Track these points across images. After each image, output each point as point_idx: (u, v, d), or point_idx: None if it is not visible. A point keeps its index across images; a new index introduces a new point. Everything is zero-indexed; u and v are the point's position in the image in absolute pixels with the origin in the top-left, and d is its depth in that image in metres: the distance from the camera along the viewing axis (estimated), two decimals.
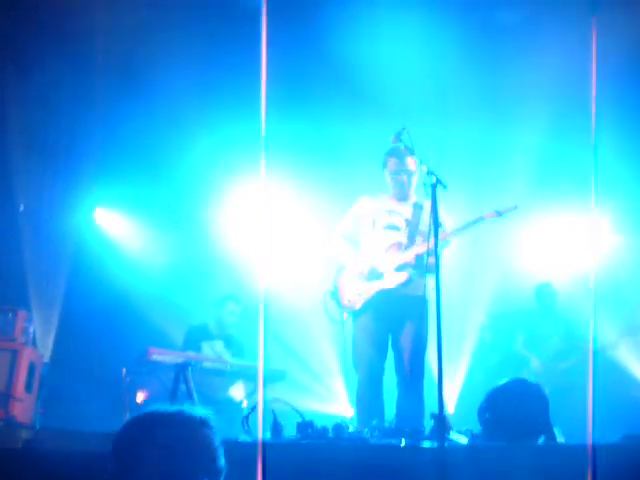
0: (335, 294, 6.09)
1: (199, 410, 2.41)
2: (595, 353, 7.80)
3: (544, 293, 8.44)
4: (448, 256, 6.00)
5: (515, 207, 5.94)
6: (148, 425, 2.33)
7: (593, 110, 5.57)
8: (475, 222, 5.90)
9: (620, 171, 8.17)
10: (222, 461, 2.43)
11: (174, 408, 2.38)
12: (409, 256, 5.92)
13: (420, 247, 5.84)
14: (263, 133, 5.94)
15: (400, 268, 5.94)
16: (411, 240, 5.98)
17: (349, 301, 6.00)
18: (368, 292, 5.96)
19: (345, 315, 6.03)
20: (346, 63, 7.91)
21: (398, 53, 7.84)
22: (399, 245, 5.99)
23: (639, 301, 8.54)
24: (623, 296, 8.43)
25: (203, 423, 2.37)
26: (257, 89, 5.97)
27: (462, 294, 7.76)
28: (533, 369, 8.05)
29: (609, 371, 7.68)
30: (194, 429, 2.33)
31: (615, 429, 4.71)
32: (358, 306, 5.97)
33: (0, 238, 7.88)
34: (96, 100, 8.23)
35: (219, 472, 2.39)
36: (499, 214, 5.90)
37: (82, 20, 7.61)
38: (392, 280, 5.93)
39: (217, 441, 2.37)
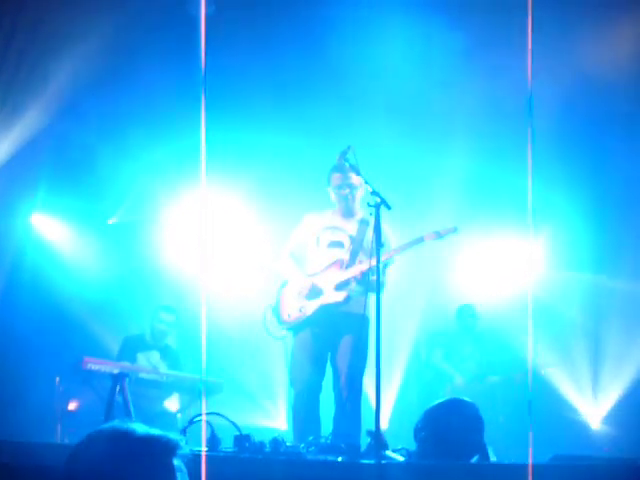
0: (276, 309, 6.10)
1: (174, 435, 2.28)
2: (530, 374, 7.98)
3: (465, 314, 8.59)
4: (392, 274, 6.06)
5: (455, 229, 6.06)
6: (118, 443, 2.17)
7: (529, 135, 5.72)
8: (415, 242, 5.98)
9: (555, 196, 8.36)
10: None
11: (150, 430, 2.24)
12: (349, 274, 5.95)
13: (362, 265, 5.89)
14: (203, 142, 5.96)
15: (340, 286, 5.97)
16: (353, 257, 6.02)
17: (289, 316, 6.03)
18: (309, 308, 5.99)
19: (284, 331, 6.05)
20: (297, 72, 7.93)
21: (348, 65, 7.88)
22: (340, 262, 6.02)
23: (568, 327, 8.74)
24: (554, 321, 8.62)
25: (176, 453, 2.25)
26: (198, 98, 6.00)
27: (399, 312, 7.83)
28: (456, 386, 8.15)
29: (541, 392, 7.84)
30: (168, 458, 2.21)
31: (546, 449, 4.79)
32: (298, 322, 5.99)
33: None
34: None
35: None
36: (439, 235, 6.01)
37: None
38: (331, 297, 5.96)
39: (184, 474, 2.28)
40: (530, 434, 4.20)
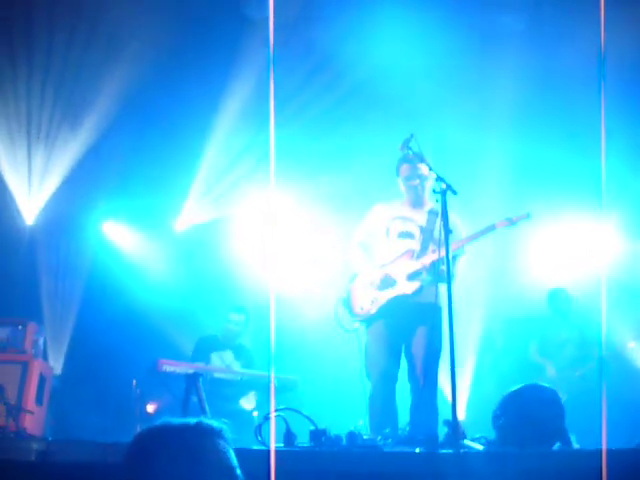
0: (347, 302, 6.05)
1: (214, 421, 2.39)
2: (606, 358, 7.78)
3: (558, 298, 8.32)
4: (464, 264, 5.98)
5: (527, 215, 5.94)
6: (162, 435, 2.30)
7: (603, 116, 5.57)
8: (487, 230, 5.90)
9: (627, 176, 8.16)
10: (237, 472, 2.41)
11: (187, 419, 2.35)
12: (420, 264, 5.88)
13: (432, 255, 5.82)
14: (272, 143, 5.95)
15: (412, 276, 5.91)
16: (424, 248, 5.95)
17: (361, 309, 5.97)
18: (381, 300, 5.93)
19: (357, 324, 6.00)
20: (350, 70, 7.91)
21: (402, 59, 7.83)
22: (412, 252, 5.96)
23: None
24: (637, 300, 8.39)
25: (218, 434, 2.34)
26: (263, 98, 5.99)
27: (474, 300, 7.73)
28: (549, 377, 7.95)
29: (626, 376, 7.64)
30: (209, 440, 2.30)
31: (633, 435, 4.67)
32: (371, 313, 5.93)
33: (12, 252, 7.90)
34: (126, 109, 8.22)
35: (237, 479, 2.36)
36: (511, 222, 5.91)
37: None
38: (405, 288, 5.90)
39: (231, 452, 2.35)
40: (604, 418, 4.07)
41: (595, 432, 5.27)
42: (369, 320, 5.96)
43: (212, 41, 8.02)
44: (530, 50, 7.74)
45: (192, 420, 2.35)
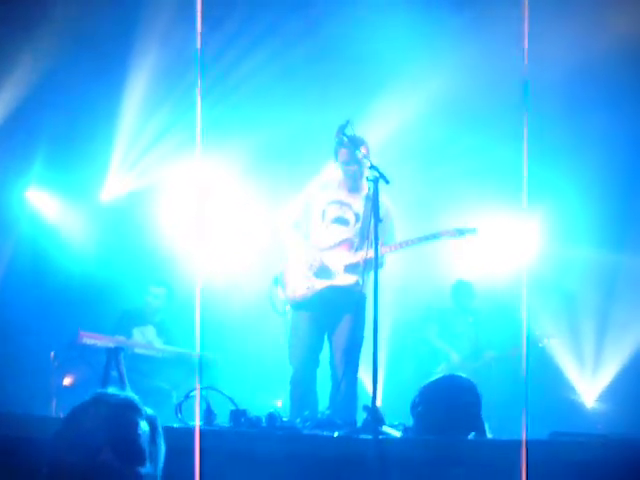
0: (281, 283, 6.02)
1: (124, 393, 2.41)
2: (527, 348, 7.97)
3: (461, 291, 8.50)
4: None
5: (474, 230, 5.98)
6: (97, 407, 2.32)
7: (525, 112, 5.68)
8: (431, 238, 5.93)
9: (550, 173, 8.33)
10: (159, 447, 2.42)
11: (121, 394, 2.37)
12: (359, 258, 5.84)
13: (370, 250, 5.81)
14: (198, 114, 5.92)
15: (350, 267, 5.91)
16: (362, 238, 5.92)
17: (293, 292, 5.96)
18: (316, 287, 5.92)
19: (287, 307, 6.00)
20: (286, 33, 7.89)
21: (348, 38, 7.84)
22: (350, 243, 5.96)
23: (569, 301, 8.72)
24: (550, 297, 8.60)
25: (127, 405, 2.36)
26: (193, 71, 5.95)
27: (396, 289, 7.80)
28: (453, 363, 8.12)
29: (539, 370, 7.82)
30: (139, 418, 2.32)
31: (543, 426, 4.79)
32: (301, 299, 5.94)
33: None
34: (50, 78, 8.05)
35: (153, 456, 2.37)
36: (457, 234, 5.94)
37: None
38: (342, 280, 5.90)
39: (143, 424, 2.36)
40: (524, 410, 4.19)
41: (492, 422, 5.43)
42: (297, 305, 5.97)
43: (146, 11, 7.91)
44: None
45: (125, 395, 2.36)
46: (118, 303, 8.00)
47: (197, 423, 3.81)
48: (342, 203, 6.02)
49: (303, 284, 5.93)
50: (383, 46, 7.84)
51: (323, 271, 5.93)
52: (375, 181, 4.88)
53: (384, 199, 5.05)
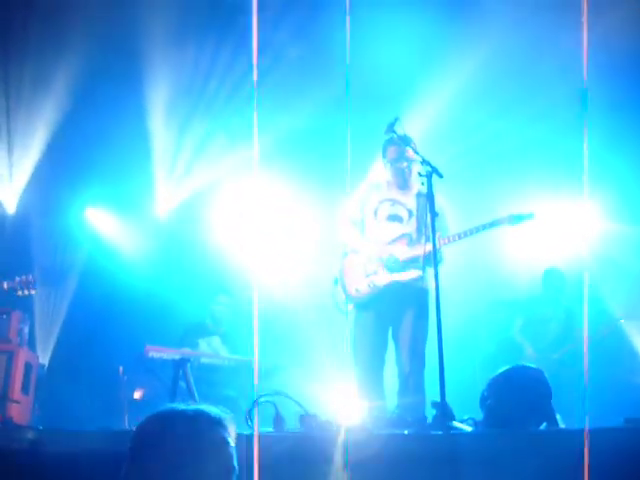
0: (341, 281, 6.00)
1: (216, 410, 2.39)
2: (602, 333, 7.82)
3: (552, 277, 8.30)
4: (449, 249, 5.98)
5: (531, 215, 5.90)
6: (169, 420, 2.30)
7: (585, 93, 5.59)
8: (490, 226, 5.85)
9: (610, 159, 8.20)
10: (234, 463, 2.42)
11: (192, 406, 2.35)
12: (418, 252, 5.80)
13: (428, 244, 5.78)
14: (255, 129, 5.95)
15: (410, 262, 5.88)
16: (419, 233, 5.91)
17: (357, 291, 5.94)
18: (378, 284, 5.89)
19: (351, 306, 5.97)
20: (332, 51, 7.88)
21: (390, 43, 7.82)
22: (408, 238, 5.94)
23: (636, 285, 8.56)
24: (622, 281, 8.44)
25: (220, 423, 2.34)
26: (247, 83, 5.97)
27: (460, 283, 7.74)
28: (527, 357, 7.99)
29: (610, 357, 7.68)
30: (214, 429, 2.31)
31: (616, 414, 4.71)
32: (365, 297, 5.92)
33: None
34: (86, 97, 8.17)
35: (233, 471, 2.37)
36: (515, 221, 5.86)
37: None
38: (404, 275, 5.88)
39: (232, 441, 2.35)
40: (586, 399, 4.12)
41: (573, 413, 5.34)
42: (361, 303, 5.96)
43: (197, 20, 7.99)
44: (512, 29, 7.72)
45: (197, 407, 2.35)
46: (182, 316, 8.08)
47: (256, 429, 3.82)
48: (394, 201, 6.01)
49: (365, 281, 5.92)
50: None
51: (386, 267, 5.89)
52: (429, 176, 4.86)
53: (437, 194, 5.01)
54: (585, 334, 7.31)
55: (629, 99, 8.15)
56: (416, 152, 5.22)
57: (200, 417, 2.29)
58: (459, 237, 5.83)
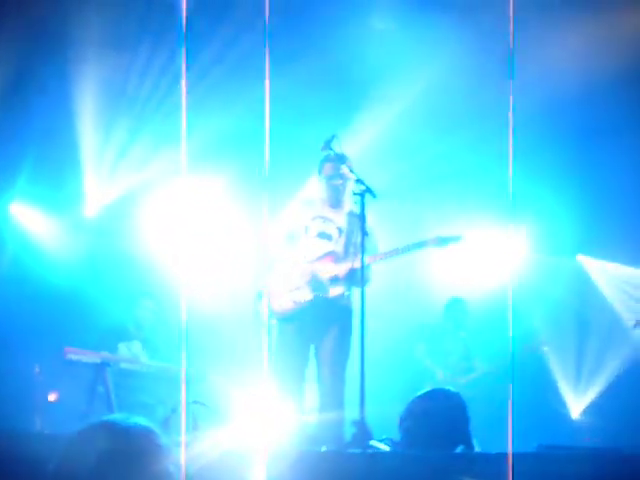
0: (265, 296, 6.00)
1: (140, 421, 2.34)
2: (526, 351, 7.97)
3: (454, 308, 8.47)
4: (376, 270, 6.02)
5: (459, 238, 5.96)
6: (110, 434, 2.24)
7: (510, 124, 5.71)
8: (417, 246, 5.88)
9: (535, 188, 8.37)
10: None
11: (129, 419, 2.30)
12: (344, 269, 5.84)
13: (356, 261, 5.81)
14: (183, 128, 5.92)
15: (335, 279, 5.89)
16: (345, 251, 5.93)
17: (280, 306, 5.93)
18: (302, 300, 5.89)
19: (274, 321, 5.95)
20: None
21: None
22: (335, 256, 5.94)
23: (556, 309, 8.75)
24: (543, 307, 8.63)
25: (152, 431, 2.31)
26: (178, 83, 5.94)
27: (384, 306, 7.80)
28: (438, 380, 8.12)
29: (528, 381, 7.83)
30: (153, 443, 2.27)
31: (530, 439, 4.80)
32: (288, 312, 5.91)
33: None
34: (16, 92, 8.03)
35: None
36: (442, 242, 5.90)
37: None
38: (329, 291, 5.88)
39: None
40: (509, 422, 4.19)
41: (482, 436, 5.42)
42: (285, 318, 5.95)
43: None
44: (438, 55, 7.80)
45: (133, 420, 2.30)
46: (103, 318, 7.95)
47: (183, 438, 3.79)
48: (325, 218, 6.02)
49: (289, 297, 5.91)
50: (367, 50, 7.86)
51: (310, 283, 5.90)
52: (362, 195, 4.89)
53: (368, 214, 5.04)
54: (510, 356, 7.46)
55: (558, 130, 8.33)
56: (351, 170, 5.25)
57: (140, 431, 2.25)
58: (385, 256, 5.86)
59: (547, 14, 7.30)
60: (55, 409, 6.83)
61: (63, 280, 8.25)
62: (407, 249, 5.87)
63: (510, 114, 5.60)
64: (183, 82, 5.75)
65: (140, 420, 2.30)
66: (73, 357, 6.32)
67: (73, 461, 2.21)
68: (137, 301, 7.87)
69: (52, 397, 7.02)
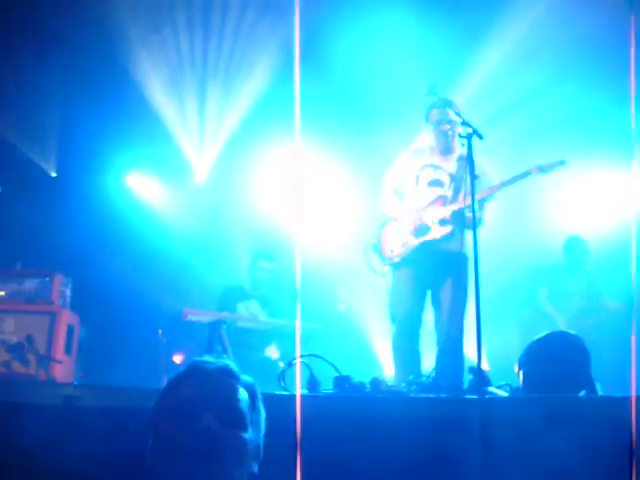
0: (378, 246, 6.06)
1: (221, 360, 2.39)
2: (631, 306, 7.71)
3: (574, 247, 8.24)
4: (490, 210, 5.93)
5: (562, 162, 5.81)
6: (194, 375, 2.32)
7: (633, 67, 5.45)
8: (521, 177, 5.78)
9: None
10: (260, 413, 2.40)
11: (216, 360, 2.36)
12: (451, 210, 5.85)
13: (461, 202, 5.78)
14: (297, 97, 5.90)
15: (444, 221, 5.89)
16: (455, 195, 5.91)
17: (392, 251, 5.98)
18: (412, 244, 5.92)
19: (387, 267, 5.99)
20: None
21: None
22: (443, 200, 5.93)
23: None
24: None
25: (233, 375, 2.34)
26: (290, 54, 5.91)
27: (498, 248, 7.66)
28: (558, 326, 7.93)
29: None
30: (223, 377, 2.31)
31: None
32: (400, 257, 5.94)
33: (33, 204, 7.94)
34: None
35: (254, 422, 2.35)
36: (545, 169, 5.77)
37: None
38: (437, 232, 5.88)
39: (242, 390, 2.34)
40: (633, 365, 4.04)
41: (603, 382, 5.26)
42: (398, 264, 5.97)
43: None
44: None
45: (221, 362, 2.35)
46: (220, 280, 8.10)
47: (298, 390, 3.80)
48: (435, 166, 5.99)
49: (399, 242, 5.94)
50: None
51: (419, 228, 5.92)
52: (469, 137, 4.78)
53: (478, 156, 4.94)
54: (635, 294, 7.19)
55: None
56: (457, 114, 5.14)
57: (216, 368, 2.31)
58: (492, 190, 5.77)
59: None
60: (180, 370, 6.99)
61: (180, 245, 8.43)
62: (513, 180, 5.77)
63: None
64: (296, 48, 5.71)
65: (227, 361, 2.35)
66: (192, 318, 6.46)
67: (167, 404, 2.30)
68: (255, 261, 7.96)
69: (177, 359, 7.18)
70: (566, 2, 7.53)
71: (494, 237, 6.54)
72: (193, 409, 2.23)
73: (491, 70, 8.04)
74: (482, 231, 5.51)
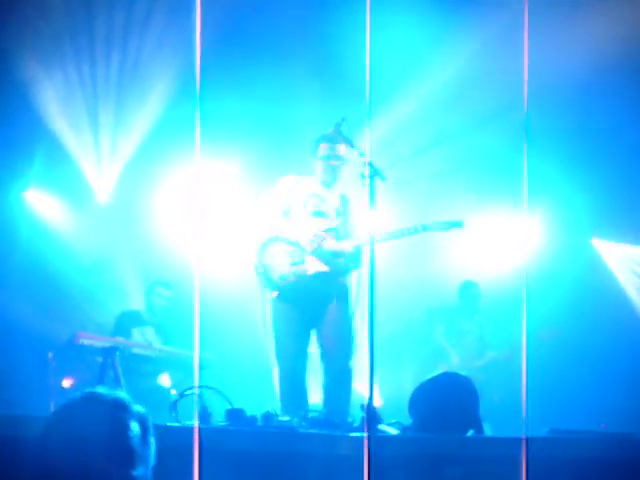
0: (264, 269, 5.80)
1: (114, 392, 2.35)
2: (542, 336, 7.94)
3: (468, 291, 8.53)
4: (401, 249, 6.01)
5: (460, 224, 5.83)
6: (88, 405, 2.27)
7: (525, 109, 5.65)
8: (417, 230, 5.77)
9: (550, 172, 8.31)
10: (150, 446, 2.37)
11: (108, 392, 2.32)
12: (345, 246, 5.78)
13: (354, 240, 5.78)
14: (197, 111, 5.89)
15: (337, 255, 5.78)
16: (343, 230, 5.89)
17: (281, 278, 5.74)
18: (303, 271, 5.76)
19: (275, 293, 5.77)
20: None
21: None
22: (335, 233, 5.85)
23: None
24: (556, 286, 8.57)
25: (116, 405, 2.31)
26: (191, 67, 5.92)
27: (395, 288, 7.76)
28: (453, 365, 8.11)
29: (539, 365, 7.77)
30: (117, 411, 2.27)
31: (542, 424, 4.76)
32: (289, 285, 5.73)
33: None
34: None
35: (144, 457, 2.32)
36: (445, 226, 5.81)
37: None
38: (329, 265, 5.77)
39: (134, 424, 2.30)
40: (523, 407, 4.16)
41: (494, 420, 5.39)
42: (283, 293, 5.77)
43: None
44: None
45: (114, 394, 2.32)
46: (116, 305, 7.98)
47: (196, 422, 3.78)
48: (321, 197, 5.89)
49: (290, 269, 5.74)
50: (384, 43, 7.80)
51: (316, 253, 5.77)
52: (371, 177, 4.83)
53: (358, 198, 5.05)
54: (524, 339, 7.40)
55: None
56: (361, 154, 5.16)
57: (108, 401, 2.27)
58: (387, 237, 5.73)
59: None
60: (69, 394, 6.83)
61: (77, 267, 8.28)
62: (408, 231, 5.77)
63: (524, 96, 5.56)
64: (197, 63, 5.70)
65: (120, 394, 2.31)
66: (85, 342, 6.34)
67: (57, 435, 2.24)
68: (153, 288, 7.88)
69: (67, 383, 7.03)
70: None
71: (405, 278, 6.66)
72: (82, 445, 2.19)
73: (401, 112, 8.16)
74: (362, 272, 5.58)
